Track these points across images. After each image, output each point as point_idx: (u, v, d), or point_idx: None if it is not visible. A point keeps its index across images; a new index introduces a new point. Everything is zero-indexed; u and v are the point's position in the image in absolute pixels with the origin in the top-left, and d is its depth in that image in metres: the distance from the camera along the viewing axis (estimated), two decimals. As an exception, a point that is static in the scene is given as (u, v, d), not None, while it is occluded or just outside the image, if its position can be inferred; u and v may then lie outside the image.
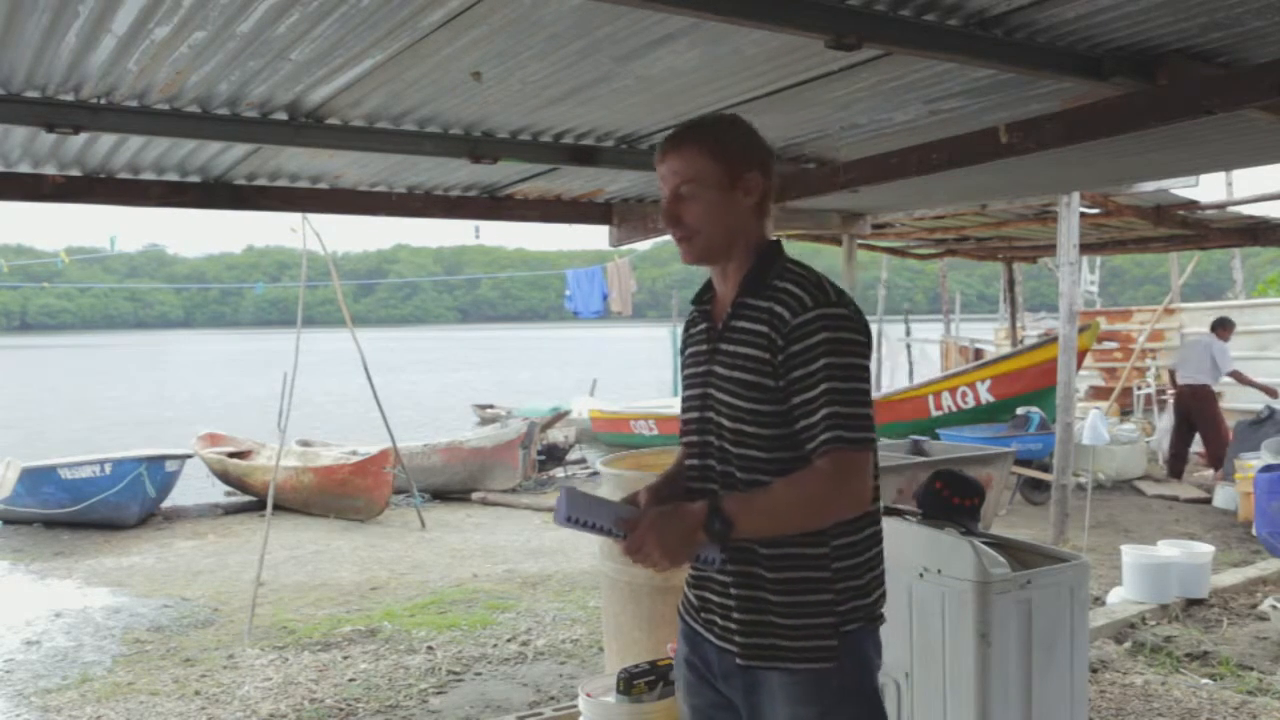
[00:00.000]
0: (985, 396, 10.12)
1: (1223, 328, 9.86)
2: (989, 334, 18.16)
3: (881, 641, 1.90)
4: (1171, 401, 10.38)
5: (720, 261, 1.90)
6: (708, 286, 1.99)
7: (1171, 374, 10.20)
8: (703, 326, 1.96)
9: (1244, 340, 11.25)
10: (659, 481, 2.04)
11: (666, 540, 1.73)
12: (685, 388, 1.99)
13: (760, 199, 1.88)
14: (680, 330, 2.17)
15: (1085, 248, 9.23)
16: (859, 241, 8.25)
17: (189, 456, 10.32)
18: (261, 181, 4.23)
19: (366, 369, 9.08)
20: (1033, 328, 16.51)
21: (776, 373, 1.77)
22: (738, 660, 1.85)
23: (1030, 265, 13.50)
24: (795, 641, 1.80)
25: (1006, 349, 12.55)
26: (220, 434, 12.33)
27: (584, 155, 3.84)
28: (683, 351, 2.05)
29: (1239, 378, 9.69)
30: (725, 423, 1.83)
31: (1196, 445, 10.03)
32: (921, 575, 2.97)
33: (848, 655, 1.81)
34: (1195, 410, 9.61)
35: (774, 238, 1.93)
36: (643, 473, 4.14)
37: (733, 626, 1.86)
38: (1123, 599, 5.44)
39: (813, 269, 1.86)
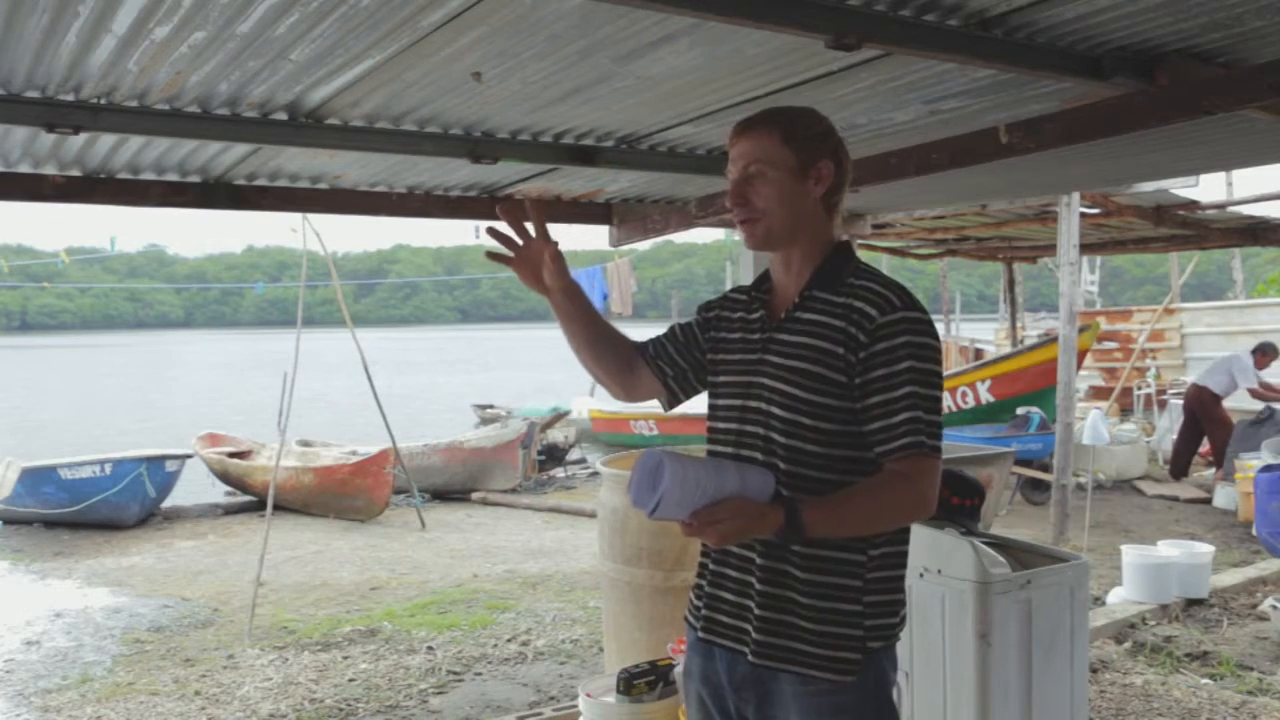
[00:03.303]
0: (985, 396, 10.12)
1: (1262, 353, 9.89)
2: (989, 334, 18.19)
3: (896, 655, 1.86)
4: (1181, 402, 10.41)
5: (783, 249, 1.86)
6: (765, 276, 1.94)
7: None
8: (758, 315, 1.89)
9: (1244, 340, 11.26)
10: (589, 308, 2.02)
11: (732, 533, 1.67)
12: (721, 373, 1.92)
13: (830, 191, 1.84)
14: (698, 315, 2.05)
15: (1085, 248, 9.23)
16: (859, 241, 8.24)
17: (189, 456, 10.32)
18: (261, 181, 4.23)
19: (366, 369, 9.09)
20: (1033, 328, 16.53)
21: (851, 369, 1.73)
22: (750, 658, 1.78)
23: (1030, 265, 13.50)
24: (817, 649, 1.74)
25: (1006, 349, 12.55)
26: (220, 434, 12.35)
27: (584, 155, 3.83)
28: (713, 332, 1.98)
29: (1256, 393, 9.65)
30: (778, 412, 1.77)
31: (1202, 446, 10.06)
32: (921, 575, 2.97)
33: (870, 671, 1.76)
34: (1201, 410, 9.65)
35: (844, 238, 1.89)
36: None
37: (748, 626, 1.79)
38: (1123, 599, 5.45)
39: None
